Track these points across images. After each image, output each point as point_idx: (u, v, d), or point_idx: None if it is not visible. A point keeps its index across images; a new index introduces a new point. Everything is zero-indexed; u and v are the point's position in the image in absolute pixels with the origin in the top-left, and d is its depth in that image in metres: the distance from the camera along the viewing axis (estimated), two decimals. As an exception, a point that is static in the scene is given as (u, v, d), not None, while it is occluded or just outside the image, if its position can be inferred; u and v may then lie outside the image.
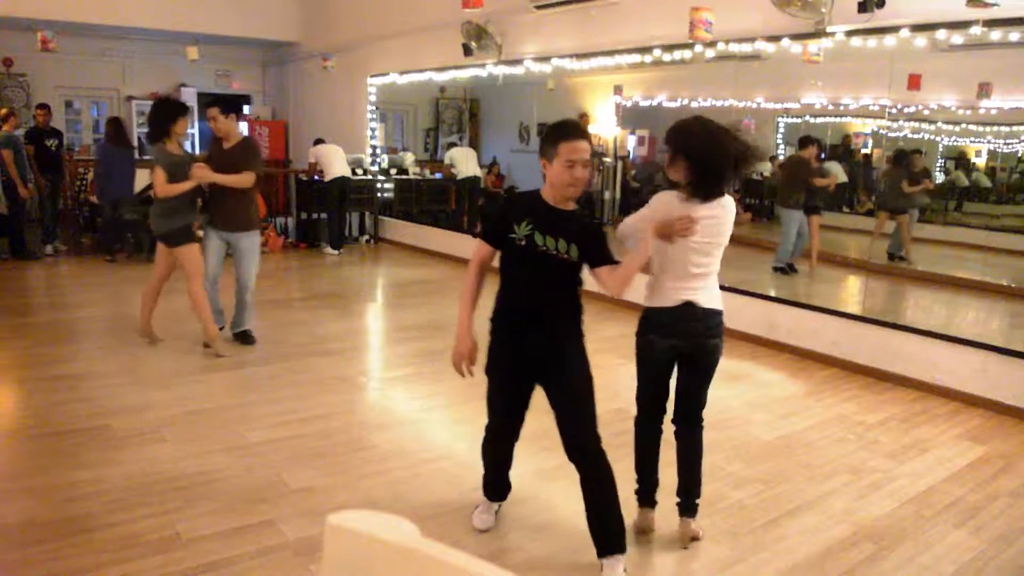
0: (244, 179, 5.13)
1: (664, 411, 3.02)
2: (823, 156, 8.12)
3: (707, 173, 2.71)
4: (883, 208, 7.68)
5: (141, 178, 8.31)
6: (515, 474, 3.54)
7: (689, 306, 2.80)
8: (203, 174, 4.96)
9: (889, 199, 7.63)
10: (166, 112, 5.11)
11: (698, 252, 2.77)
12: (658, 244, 2.73)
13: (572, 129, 2.64)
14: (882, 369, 5.26)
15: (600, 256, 2.68)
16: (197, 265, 5.13)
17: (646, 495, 3.05)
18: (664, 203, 2.76)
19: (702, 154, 2.70)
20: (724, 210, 2.80)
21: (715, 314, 2.86)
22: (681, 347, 2.84)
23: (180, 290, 5.92)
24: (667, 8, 6.35)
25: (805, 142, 7.51)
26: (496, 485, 3.12)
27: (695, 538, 3.00)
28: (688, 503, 3.00)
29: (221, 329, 5.49)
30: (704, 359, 2.89)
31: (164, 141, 5.06)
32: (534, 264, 2.66)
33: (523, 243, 2.65)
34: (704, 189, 2.72)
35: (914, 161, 7.44)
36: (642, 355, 2.93)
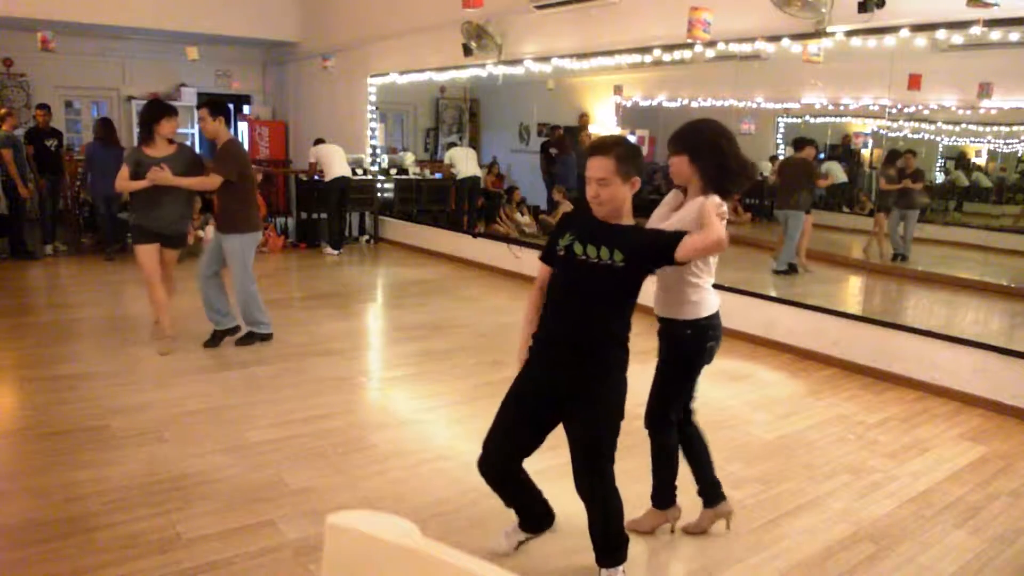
0: (203, 182, 5.18)
1: None
2: (821, 156, 8.13)
3: (732, 173, 2.73)
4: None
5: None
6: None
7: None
8: (159, 176, 5.00)
9: (878, 198, 7.70)
10: (149, 113, 5.22)
11: None
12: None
13: (592, 146, 2.58)
14: (882, 369, 5.26)
15: (664, 246, 2.48)
16: (141, 264, 5.23)
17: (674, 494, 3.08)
18: (714, 204, 2.65)
19: (729, 156, 2.72)
20: None
21: None
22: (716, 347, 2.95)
23: (184, 290, 5.93)
24: (667, 8, 6.35)
25: (802, 143, 7.53)
26: (521, 514, 2.85)
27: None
28: (719, 488, 3.06)
29: (233, 330, 5.49)
30: None
31: (147, 142, 5.17)
32: (574, 276, 2.55)
33: (563, 253, 2.56)
34: (728, 189, 2.74)
35: (908, 161, 7.45)
36: (699, 363, 2.91)
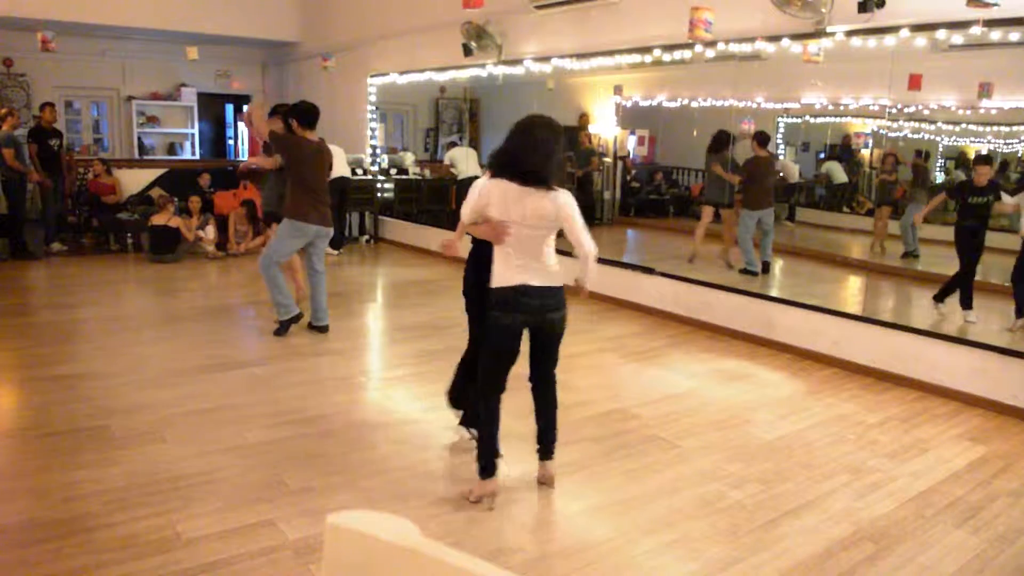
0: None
1: None
2: (821, 155, 8.13)
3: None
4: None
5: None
6: (513, 474, 3.55)
7: None
8: None
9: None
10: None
11: None
12: None
13: None
14: (882, 369, 5.26)
15: None
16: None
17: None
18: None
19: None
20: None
21: None
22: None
23: (186, 289, 5.93)
24: (667, 8, 6.35)
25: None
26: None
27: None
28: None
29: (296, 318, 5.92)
30: None
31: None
32: None
33: None
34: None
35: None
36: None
